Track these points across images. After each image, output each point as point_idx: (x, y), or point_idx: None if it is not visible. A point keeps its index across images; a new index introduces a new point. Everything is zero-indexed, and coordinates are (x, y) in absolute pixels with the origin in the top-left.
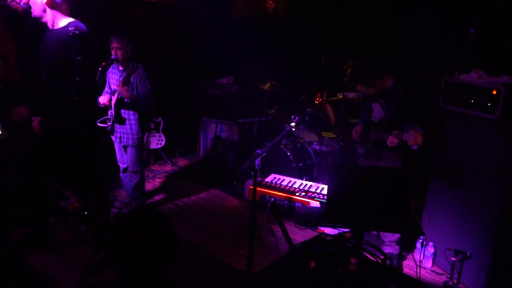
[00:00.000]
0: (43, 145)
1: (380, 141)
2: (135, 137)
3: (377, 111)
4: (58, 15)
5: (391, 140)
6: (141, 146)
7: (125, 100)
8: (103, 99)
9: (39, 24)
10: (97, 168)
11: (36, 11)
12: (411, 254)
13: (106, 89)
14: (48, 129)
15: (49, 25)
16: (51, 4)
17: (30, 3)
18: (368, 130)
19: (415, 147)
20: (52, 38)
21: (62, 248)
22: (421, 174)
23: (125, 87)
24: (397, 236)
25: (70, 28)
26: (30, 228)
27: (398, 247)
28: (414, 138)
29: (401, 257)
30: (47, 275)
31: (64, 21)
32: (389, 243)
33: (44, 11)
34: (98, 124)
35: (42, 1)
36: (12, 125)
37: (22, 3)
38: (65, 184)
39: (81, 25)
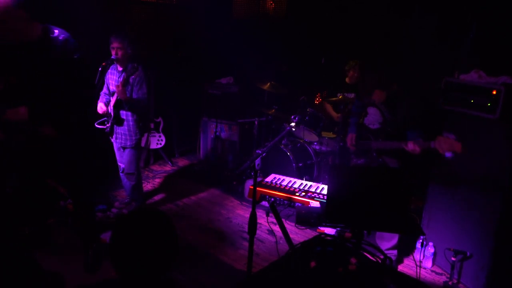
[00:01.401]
0: (42, 144)
1: (384, 150)
2: (133, 138)
3: (374, 116)
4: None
5: (413, 148)
6: (138, 148)
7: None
8: (100, 109)
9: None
10: (82, 161)
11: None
12: (411, 254)
13: (104, 90)
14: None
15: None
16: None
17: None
18: (365, 137)
19: (448, 154)
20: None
21: (62, 248)
22: (421, 174)
23: (124, 89)
24: (393, 242)
25: (60, 37)
26: (29, 228)
27: (395, 251)
28: (449, 146)
29: (399, 261)
30: (53, 272)
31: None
32: (385, 251)
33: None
34: (96, 125)
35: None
36: (9, 125)
37: None
38: (63, 183)
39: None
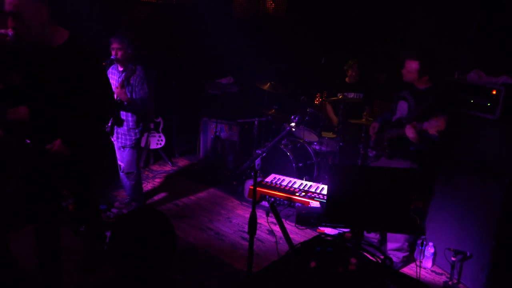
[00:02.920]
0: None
1: (393, 140)
2: (132, 138)
3: (402, 110)
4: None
5: (408, 131)
6: (138, 148)
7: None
8: None
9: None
10: (91, 165)
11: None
12: (411, 254)
13: None
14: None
15: (46, 43)
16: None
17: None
18: (384, 130)
19: (435, 135)
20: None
21: (62, 248)
22: (421, 174)
23: (123, 90)
24: (395, 245)
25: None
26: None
27: (399, 254)
28: (436, 125)
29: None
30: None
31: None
32: (390, 251)
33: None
34: None
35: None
36: (10, 125)
37: (10, 33)
38: (63, 183)
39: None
